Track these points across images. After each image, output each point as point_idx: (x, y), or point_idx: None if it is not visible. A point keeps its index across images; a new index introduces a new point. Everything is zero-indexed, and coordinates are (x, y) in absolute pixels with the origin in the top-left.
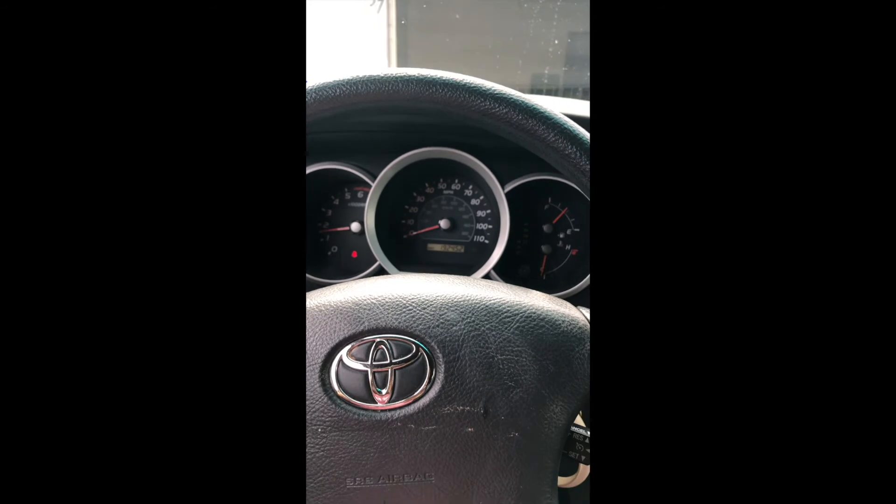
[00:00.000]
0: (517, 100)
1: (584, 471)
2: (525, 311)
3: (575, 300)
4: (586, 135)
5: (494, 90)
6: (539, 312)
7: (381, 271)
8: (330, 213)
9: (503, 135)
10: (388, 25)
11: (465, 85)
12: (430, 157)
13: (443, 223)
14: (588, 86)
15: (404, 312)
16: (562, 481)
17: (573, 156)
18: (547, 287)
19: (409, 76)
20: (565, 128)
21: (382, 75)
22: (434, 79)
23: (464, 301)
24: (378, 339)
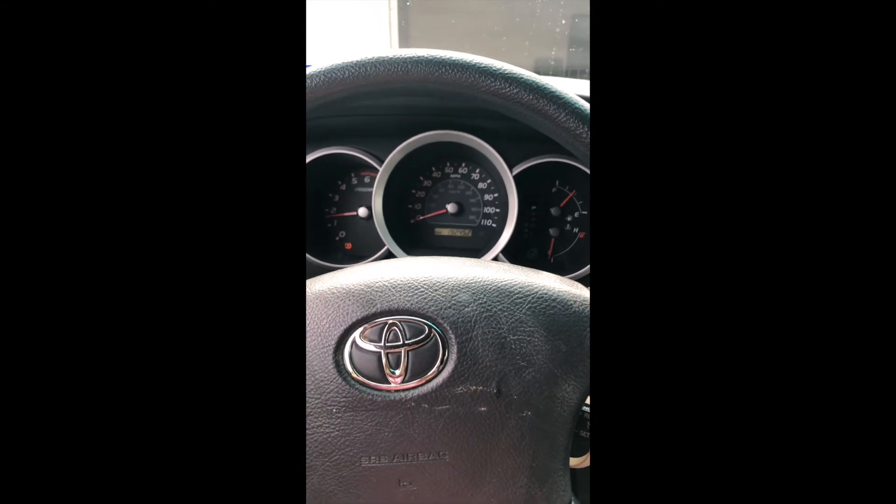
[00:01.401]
0: (528, 80)
1: None
2: (537, 292)
3: (583, 283)
4: None
5: (505, 70)
6: (551, 293)
7: (388, 256)
8: (337, 198)
9: (513, 115)
10: (389, 7)
11: (475, 65)
12: (437, 141)
13: (450, 207)
14: None
15: (416, 294)
16: (573, 462)
17: (584, 136)
18: (554, 270)
19: (419, 57)
20: (576, 107)
21: (392, 57)
22: (444, 59)
23: (475, 282)
24: (391, 321)
